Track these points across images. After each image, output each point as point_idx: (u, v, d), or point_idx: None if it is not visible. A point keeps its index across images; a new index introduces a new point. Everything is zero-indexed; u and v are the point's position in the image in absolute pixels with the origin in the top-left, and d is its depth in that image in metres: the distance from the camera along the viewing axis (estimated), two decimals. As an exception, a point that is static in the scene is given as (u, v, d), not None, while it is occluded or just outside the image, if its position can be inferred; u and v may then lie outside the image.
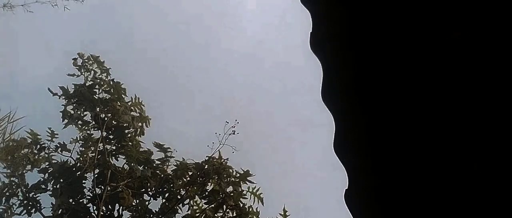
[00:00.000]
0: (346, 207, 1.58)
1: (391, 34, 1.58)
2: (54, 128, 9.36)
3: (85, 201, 9.09)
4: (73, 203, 8.96)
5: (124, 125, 9.55)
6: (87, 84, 9.53)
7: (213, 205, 9.20)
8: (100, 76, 9.67)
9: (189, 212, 9.32)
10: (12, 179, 8.98)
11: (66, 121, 9.40)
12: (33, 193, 8.97)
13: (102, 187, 9.07)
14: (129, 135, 9.56)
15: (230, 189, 9.13)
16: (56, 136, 9.32)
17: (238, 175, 9.25)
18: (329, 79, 1.68)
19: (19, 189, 8.94)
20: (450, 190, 1.42)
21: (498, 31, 1.42)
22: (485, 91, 1.41)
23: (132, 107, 9.69)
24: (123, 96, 9.66)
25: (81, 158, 9.35)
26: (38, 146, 9.25)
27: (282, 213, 8.98)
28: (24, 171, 9.10)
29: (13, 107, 9.27)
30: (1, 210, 8.82)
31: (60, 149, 9.33)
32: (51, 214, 8.87)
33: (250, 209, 9.14)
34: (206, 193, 9.26)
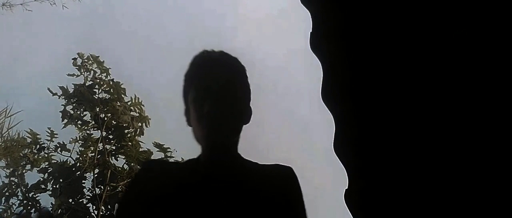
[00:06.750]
0: (346, 206, 1.58)
1: (391, 34, 1.58)
2: (53, 127, 9.36)
3: (84, 201, 9.09)
4: (73, 203, 8.96)
5: (124, 125, 9.55)
6: (86, 84, 9.53)
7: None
8: (100, 76, 9.68)
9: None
10: (11, 178, 8.98)
11: (65, 120, 9.40)
12: (32, 193, 8.97)
13: (102, 187, 9.07)
14: (128, 135, 9.56)
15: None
16: (55, 135, 9.32)
17: (238, 175, 9.23)
18: (329, 79, 1.68)
19: (18, 189, 8.94)
20: (449, 190, 1.41)
21: (498, 31, 1.42)
22: (485, 92, 1.41)
23: (131, 108, 9.70)
24: (123, 96, 9.67)
25: (80, 158, 9.35)
26: (38, 146, 9.25)
27: (282, 213, 8.97)
28: (24, 171, 9.10)
29: (12, 107, 9.25)
30: (1, 210, 8.82)
31: (59, 148, 9.32)
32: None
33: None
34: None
